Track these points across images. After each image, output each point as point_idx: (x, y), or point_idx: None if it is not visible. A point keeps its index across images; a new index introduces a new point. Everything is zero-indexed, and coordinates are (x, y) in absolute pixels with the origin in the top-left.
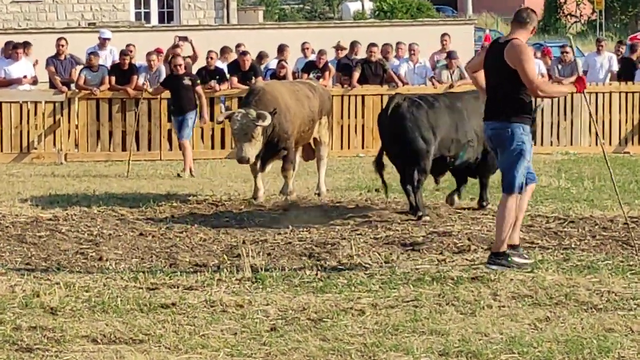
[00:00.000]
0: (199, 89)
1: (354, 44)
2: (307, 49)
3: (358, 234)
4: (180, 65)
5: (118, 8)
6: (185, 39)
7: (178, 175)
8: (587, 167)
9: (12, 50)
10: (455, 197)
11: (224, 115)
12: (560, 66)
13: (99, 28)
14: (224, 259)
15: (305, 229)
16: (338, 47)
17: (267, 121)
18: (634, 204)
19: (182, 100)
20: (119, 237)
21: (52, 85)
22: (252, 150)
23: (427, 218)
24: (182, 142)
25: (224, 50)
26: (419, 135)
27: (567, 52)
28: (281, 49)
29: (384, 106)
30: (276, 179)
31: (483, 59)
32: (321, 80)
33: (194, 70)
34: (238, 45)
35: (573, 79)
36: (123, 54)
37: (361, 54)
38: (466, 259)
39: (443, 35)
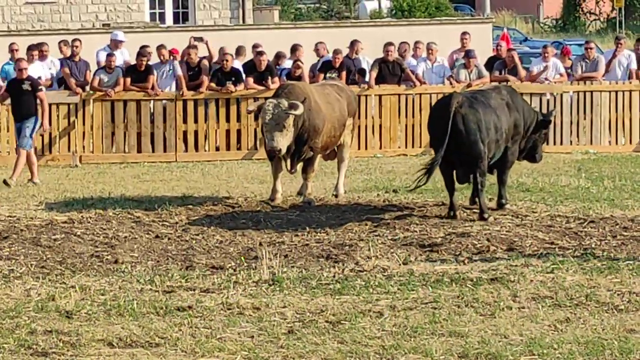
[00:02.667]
0: (41, 94)
1: (353, 43)
2: (322, 48)
3: (376, 235)
4: (24, 69)
5: (132, 9)
6: (200, 39)
7: (4, 182)
8: (607, 166)
9: (27, 52)
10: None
11: (254, 105)
12: (583, 63)
13: (112, 29)
14: (240, 261)
15: (322, 231)
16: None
17: (300, 110)
18: None
19: (21, 106)
20: (134, 240)
21: (67, 86)
22: (284, 140)
23: (491, 219)
24: (19, 151)
25: (239, 50)
26: (480, 137)
27: (591, 49)
28: (294, 49)
29: (433, 104)
30: (292, 181)
31: None
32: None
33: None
34: (255, 46)
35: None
36: (140, 55)
37: (366, 53)
38: (485, 260)
39: (463, 33)
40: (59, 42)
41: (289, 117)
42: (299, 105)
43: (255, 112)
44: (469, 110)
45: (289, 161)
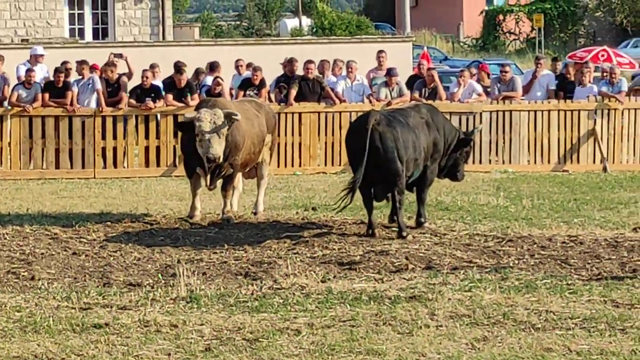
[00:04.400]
0: None
1: (291, 61)
2: (241, 66)
3: (294, 253)
4: None
5: (52, 24)
6: (120, 56)
7: None
8: (526, 185)
9: None
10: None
11: (191, 114)
12: (499, 84)
13: (31, 45)
14: (158, 278)
15: (241, 248)
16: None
17: (239, 116)
18: (572, 223)
19: None
20: (51, 257)
21: None
22: (220, 148)
23: (410, 237)
24: None
25: (152, 67)
26: (398, 155)
27: (506, 72)
28: (214, 67)
29: (350, 122)
30: (212, 198)
31: None
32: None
33: (129, 88)
34: (177, 62)
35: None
36: (58, 71)
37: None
38: (404, 278)
39: (380, 52)
40: None
41: (225, 126)
42: (237, 112)
43: (193, 119)
44: (387, 128)
45: (208, 177)
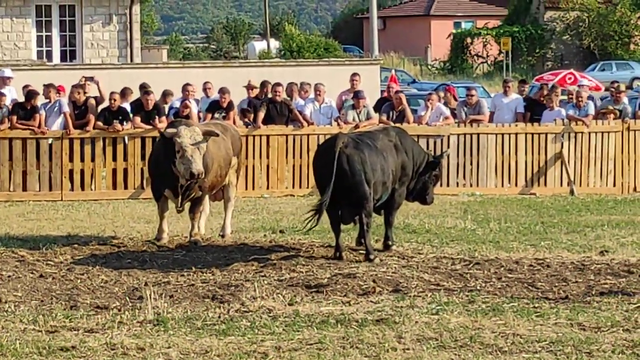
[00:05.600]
0: None
1: (264, 84)
2: (209, 88)
3: (262, 276)
4: None
5: (19, 46)
6: (91, 79)
7: None
8: (493, 208)
9: None
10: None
11: (170, 131)
12: (465, 108)
13: None
14: (125, 301)
15: (208, 271)
16: (249, 87)
17: (218, 131)
18: (539, 246)
19: None
20: (18, 279)
21: None
22: (201, 164)
23: (377, 260)
24: None
25: (125, 92)
26: (365, 178)
27: (472, 95)
28: (185, 88)
29: (318, 145)
30: (179, 220)
31: None
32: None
33: (98, 110)
34: (143, 85)
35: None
36: (32, 93)
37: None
38: (371, 301)
39: (353, 74)
40: None
41: (205, 142)
42: (214, 130)
43: (173, 136)
44: (354, 150)
45: (179, 200)
